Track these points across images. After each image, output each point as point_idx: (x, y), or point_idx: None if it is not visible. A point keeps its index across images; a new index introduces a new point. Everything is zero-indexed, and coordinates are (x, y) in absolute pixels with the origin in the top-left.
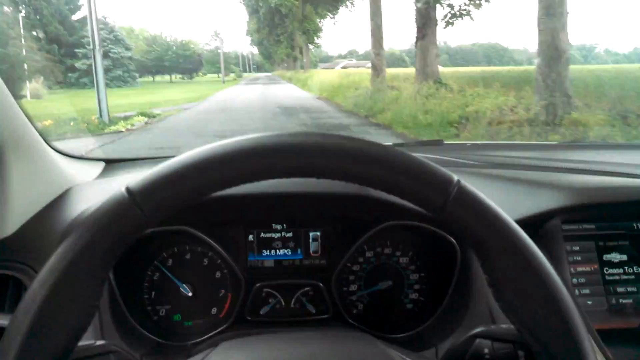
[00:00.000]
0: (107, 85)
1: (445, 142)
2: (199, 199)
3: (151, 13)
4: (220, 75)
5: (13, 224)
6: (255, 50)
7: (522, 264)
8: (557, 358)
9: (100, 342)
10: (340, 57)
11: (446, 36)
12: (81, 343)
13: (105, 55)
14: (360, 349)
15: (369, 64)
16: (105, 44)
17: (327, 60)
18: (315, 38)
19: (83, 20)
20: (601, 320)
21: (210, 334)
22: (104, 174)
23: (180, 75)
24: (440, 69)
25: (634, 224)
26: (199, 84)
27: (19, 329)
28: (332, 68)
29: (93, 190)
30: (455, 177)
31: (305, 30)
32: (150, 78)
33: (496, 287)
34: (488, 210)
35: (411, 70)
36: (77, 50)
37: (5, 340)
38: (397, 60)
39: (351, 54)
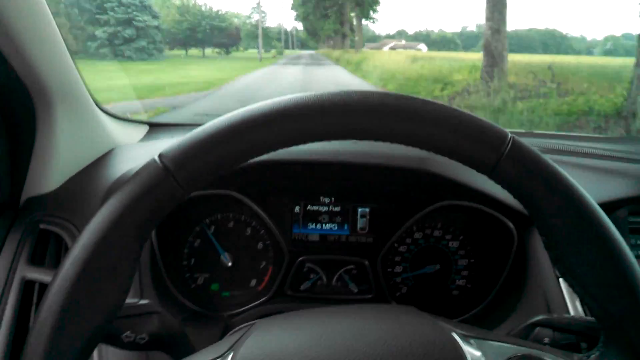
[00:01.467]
0: (129, 58)
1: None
2: (237, 165)
3: None
4: (259, 51)
5: (56, 179)
6: (300, 26)
7: (582, 222)
8: (620, 321)
9: (143, 301)
10: (389, 37)
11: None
12: (126, 302)
13: (129, 23)
14: (409, 320)
15: (420, 46)
16: (129, 10)
17: (374, 40)
18: (371, 12)
19: None
20: None
21: (247, 307)
22: (147, 136)
23: (217, 50)
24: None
25: None
26: (234, 61)
27: (63, 287)
28: (380, 49)
29: (136, 152)
30: (509, 133)
31: (359, 1)
32: (183, 51)
33: (554, 249)
34: (545, 167)
35: (469, 55)
36: (98, 16)
37: (48, 299)
38: (448, 43)
39: (400, 34)
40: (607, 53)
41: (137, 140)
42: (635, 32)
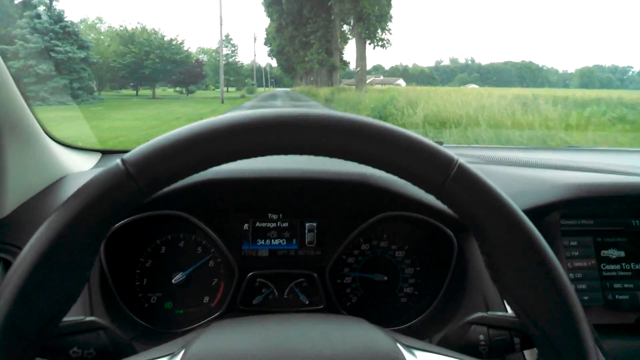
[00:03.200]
0: (44, 100)
1: (445, 144)
2: (196, 172)
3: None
4: (228, 89)
5: (6, 207)
6: (274, 63)
7: (521, 245)
8: (556, 341)
9: (90, 318)
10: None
11: (473, 53)
12: (71, 318)
13: (44, 54)
14: (356, 331)
15: (399, 81)
16: (45, 38)
17: (350, 76)
18: (380, 31)
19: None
20: (598, 315)
21: (201, 322)
22: (100, 164)
23: (178, 88)
24: (472, 86)
25: (632, 221)
26: (191, 102)
27: (6, 295)
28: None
29: (87, 179)
30: (455, 157)
31: (362, 15)
32: (133, 91)
33: (494, 268)
34: (488, 190)
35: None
36: (3, 46)
37: None
38: (427, 78)
39: (376, 70)
40: (583, 85)
41: (89, 168)
42: (605, 64)
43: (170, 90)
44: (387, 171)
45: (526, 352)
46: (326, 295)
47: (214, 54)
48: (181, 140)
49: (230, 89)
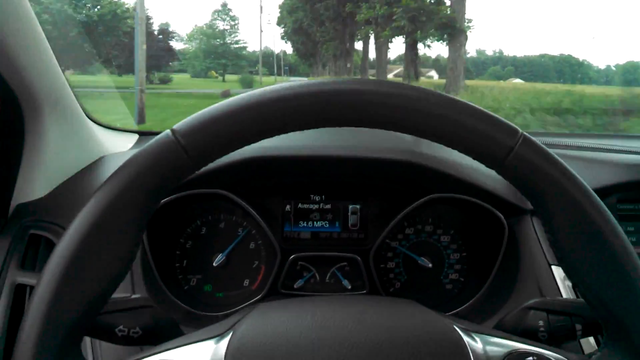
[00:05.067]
0: None
1: None
2: (247, 144)
3: None
4: (224, 77)
5: (45, 186)
6: (289, 49)
7: (590, 221)
8: (625, 323)
9: (136, 296)
10: (389, 62)
11: (502, 45)
12: (117, 295)
13: None
14: (411, 313)
15: (431, 72)
16: None
17: (372, 66)
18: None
19: None
20: None
21: (241, 306)
22: (137, 145)
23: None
24: (516, 81)
25: None
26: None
27: (53, 272)
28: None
29: (124, 160)
30: (519, 129)
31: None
32: None
33: (560, 247)
34: (555, 163)
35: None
36: None
37: (40, 286)
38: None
39: (401, 60)
40: (627, 83)
41: (127, 149)
42: None
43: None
44: (447, 144)
45: (583, 341)
46: (369, 280)
47: (204, 30)
48: (233, 109)
49: (231, 76)
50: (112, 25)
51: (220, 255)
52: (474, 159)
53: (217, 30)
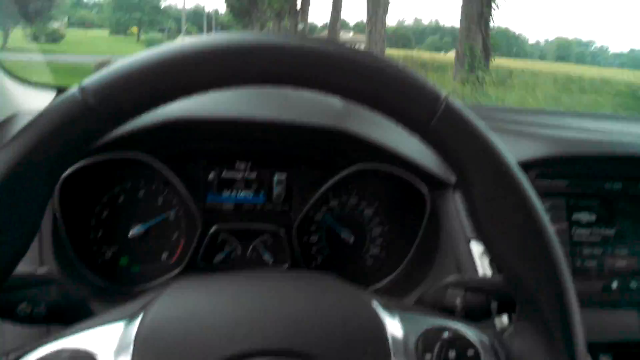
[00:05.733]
0: None
1: None
2: (163, 103)
3: None
4: (139, 34)
5: None
6: (222, 9)
7: (509, 194)
8: (538, 298)
9: (42, 270)
10: (326, 28)
11: (438, 15)
12: (20, 270)
13: None
14: (330, 288)
15: (350, 34)
16: None
17: (312, 32)
18: None
19: None
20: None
21: (158, 280)
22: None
23: None
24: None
25: (606, 184)
26: None
27: None
28: None
29: None
30: (444, 92)
31: None
32: None
33: (478, 219)
34: (477, 132)
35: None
36: None
37: None
38: (401, 39)
39: (342, 26)
40: (560, 58)
41: (43, 106)
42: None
43: None
44: (368, 105)
45: (497, 319)
46: (291, 254)
47: None
48: (151, 63)
49: (156, 35)
50: None
51: (139, 227)
52: (396, 123)
53: None
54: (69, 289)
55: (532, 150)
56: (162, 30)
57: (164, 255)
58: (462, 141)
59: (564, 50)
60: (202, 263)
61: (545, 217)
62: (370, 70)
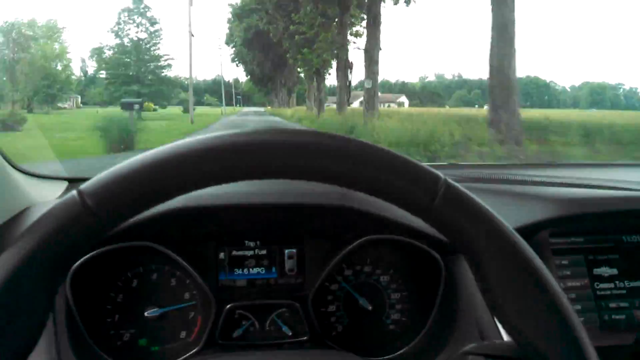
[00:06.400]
0: None
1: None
2: (161, 202)
3: None
4: (139, 111)
5: None
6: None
7: (518, 268)
8: None
9: None
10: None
11: (460, 68)
12: None
13: None
14: None
15: (401, 98)
16: None
17: (333, 93)
18: None
19: None
20: (593, 337)
21: (178, 359)
22: (66, 192)
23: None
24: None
25: (624, 237)
26: None
27: None
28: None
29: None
30: (442, 175)
31: None
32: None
33: (490, 295)
34: (479, 210)
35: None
36: None
37: None
38: (430, 95)
39: (362, 85)
40: (594, 104)
41: (55, 197)
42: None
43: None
44: (368, 193)
45: None
46: (310, 325)
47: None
48: (145, 166)
49: (157, 106)
50: None
51: (155, 309)
52: (398, 206)
53: (126, 39)
54: None
55: (541, 211)
56: (180, 104)
57: (183, 334)
58: (466, 221)
59: (597, 95)
60: (220, 340)
61: (558, 289)
62: (369, 160)
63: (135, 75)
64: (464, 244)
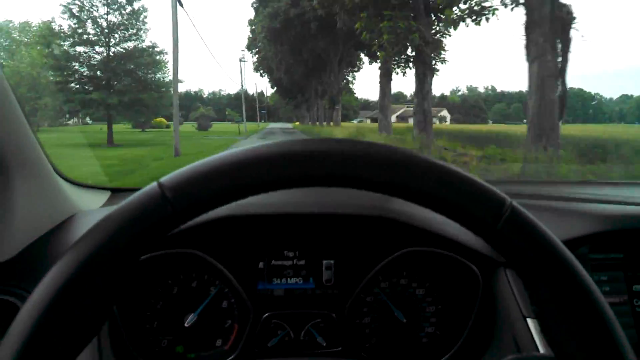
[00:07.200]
0: None
1: None
2: (234, 200)
3: None
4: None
5: (13, 248)
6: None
7: (576, 295)
8: None
9: None
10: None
11: (492, 80)
12: None
13: None
14: None
15: (442, 112)
16: None
17: (367, 107)
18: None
19: None
20: (634, 354)
21: None
22: (109, 202)
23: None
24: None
25: None
26: None
27: (14, 342)
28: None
29: (98, 217)
30: (509, 198)
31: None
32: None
33: (544, 319)
34: (543, 235)
35: None
36: None
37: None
38: (471, 108)
39: (397, 99)
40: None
41: (99, 206)
42: None
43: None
44: (436, 210)
45: None
46: (344, 336)
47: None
48: (225, 165)
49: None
50: None
51: (191, 315)
52: (460, 224)
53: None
54: None
55: (581, 227)
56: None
57: (219, 342)
58: (529, 245)
59: None
60: (256, 348)
61: (617, 323)
62: (436, 175)
63: (99, 77)
64: (524, 267)
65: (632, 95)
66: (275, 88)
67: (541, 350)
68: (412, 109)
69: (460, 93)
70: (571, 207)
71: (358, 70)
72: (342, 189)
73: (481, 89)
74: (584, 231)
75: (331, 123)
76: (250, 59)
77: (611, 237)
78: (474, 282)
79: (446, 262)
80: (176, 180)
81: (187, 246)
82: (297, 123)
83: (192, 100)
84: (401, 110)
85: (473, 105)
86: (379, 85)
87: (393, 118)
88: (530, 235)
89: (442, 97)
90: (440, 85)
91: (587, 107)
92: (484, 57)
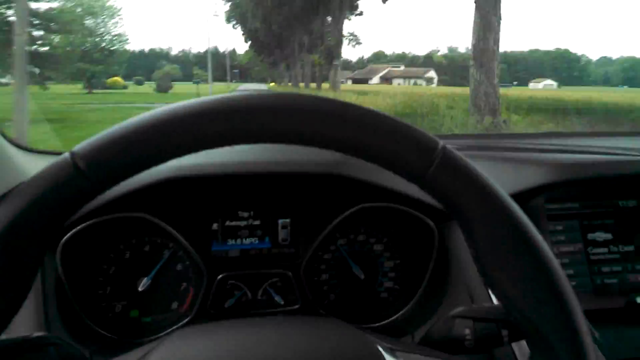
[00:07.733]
0: None
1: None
2: (153, 164)
3: None
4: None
5: None
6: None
7: (512, 237)
8: (549, 335)
9: (37, 334)
10: (363, 62)
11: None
12: (15, 335)
13: None
14: (333, 333)
15: (430, 73)
16: None
17: (346, 67)
18: None
19: None
20: (586, 301)
21: (170, 330)
22: None
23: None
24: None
25: (619, 202)
26: None
27: None
28: (366, 80)
29: None
30: (440, 142)
31: None
32: None
33: (482, 262)
34: (476, 178)
35: None
36: None
37: None
38: (459, 69)
39: (378, 58)
40: (629, 80)
41: None
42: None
43: None
44: (365, 159)
45: (515, 346)
46: (302, 294)
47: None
48: (138, 128)
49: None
50: None
51: (145, 279)
52: (394, 172)
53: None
54: (70, 350)
55: (537, 176)
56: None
57: (174, 305)
58: (462, 188)
59: (633, 71)
60: (212, 310)
61: (553, 258)
62: (364, 122)
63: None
64: (459, 212)
65: (611, 58)
66: (249, 42)
67: (495, 302)
68: (397, 68)
69: (439, 53)
70: (528, 157)
71: (361, 14)
72: (296, 146)
73: (462, 49)
74: (540, 181)
75: (322, 85)
76: (223, 8)
77: (567, 187)
78: (430, 236)
79: (402, 217)
80: (89, 148)
81: (136, 209)
82: (273, 84)
83: (157, 58)
84: (385, 71)
85: (461, 66)
86: None
87: (376, 79)
88: (463, 177)
89: (428, 56)
90: (418, 46)
91: (572, 69)
92: (464, 16)
